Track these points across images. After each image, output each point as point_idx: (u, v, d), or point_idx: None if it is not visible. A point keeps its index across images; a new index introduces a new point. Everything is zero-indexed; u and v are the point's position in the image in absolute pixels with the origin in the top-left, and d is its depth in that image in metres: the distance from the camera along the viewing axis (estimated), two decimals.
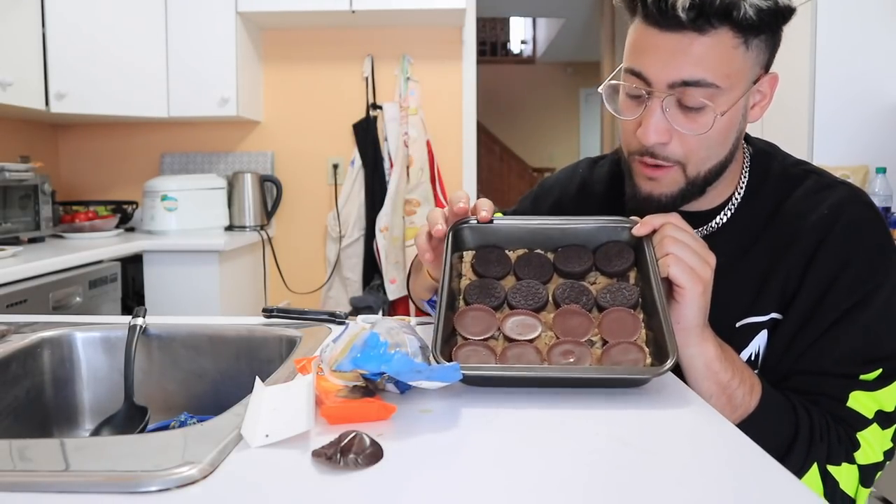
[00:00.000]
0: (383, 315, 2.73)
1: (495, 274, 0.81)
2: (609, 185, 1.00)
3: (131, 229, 3.01)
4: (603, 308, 0.77)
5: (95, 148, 3.27)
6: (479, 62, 3.38)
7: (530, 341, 0.74)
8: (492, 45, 9.32)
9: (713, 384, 0.77)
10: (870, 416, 0.79)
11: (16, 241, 2.32)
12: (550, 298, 0.79)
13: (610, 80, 0.85)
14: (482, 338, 0.75)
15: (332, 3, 2.84)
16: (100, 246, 2.34)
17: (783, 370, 0.83)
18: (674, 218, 0.78)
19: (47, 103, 2.52)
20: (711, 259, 0.76)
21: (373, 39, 3.21)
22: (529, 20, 9.37)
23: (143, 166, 3.26)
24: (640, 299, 0.77)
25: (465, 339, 0.75)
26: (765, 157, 0.92)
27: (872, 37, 2.39)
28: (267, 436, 0.57)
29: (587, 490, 0.50)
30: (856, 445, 0.79)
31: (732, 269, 0.84)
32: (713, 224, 0.89)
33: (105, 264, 2.27)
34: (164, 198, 2.79)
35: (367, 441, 0.55)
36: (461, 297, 0.80)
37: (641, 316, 0.76)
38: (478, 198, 0.86)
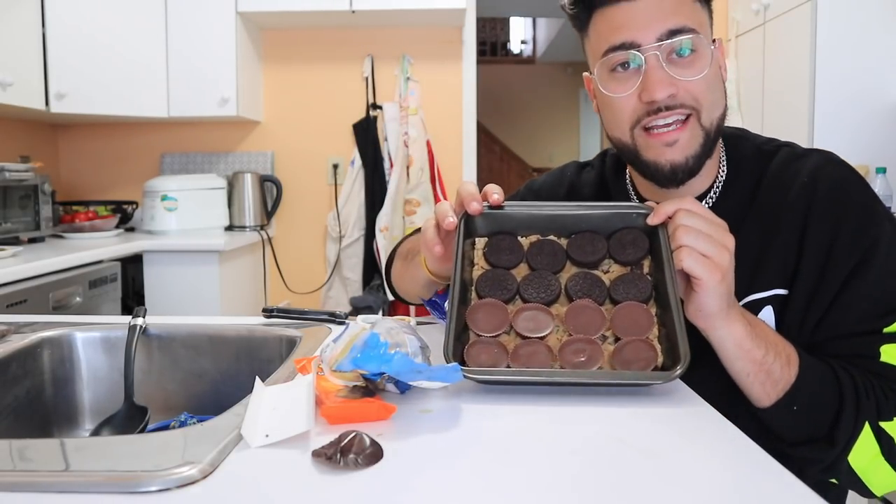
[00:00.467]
0: (383, 315, 2.73)
1: (507, 263, 0.79)
2: (598, 188, 1.01)
3: (131, 229, 3.01)
4: (616, 301, 0.76)
5: (95, 148, 3.27)
6: (479, 62, 3.38)
7: (542, 338, 0.74)
8: (492, 45, 9.31)
9: (748, 362, 0.76)
10: None
11: (16, 241, 2.32)
12: (563, 290, 0.78)
13: (596, 65, 0.86)
14: (494, 335, 0.74)
15: (332, 3, 2.84)
16: (100, 246, 2.34)
17: (804, 343, 0.82)
18: (687, 203, 0.75)
19: (47, 103, 2.52)
20: (729, 241, 0.73)
21: (373, 39, 3.21)
22: (529, 20, 9.37)
23: (143, 166, 3.26)
24: (653, 292, 0.76)
25: (478, 335, 0.74)
26: (737, 139, 0.94)
27: (872, 36, 2.39)
28: (267, 436, 0.57)
29: (587, 490, 0.50)
30: None
31: None
32: (704, 203, 0.90)
33: (105, 264, 2.27)
34: (164, 198, 2.79)
35: (367, 441, 0.55)
36: (473, 287, 0.79)
37: (654, 310, 0.75)
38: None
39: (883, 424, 0.76)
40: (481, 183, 0.89)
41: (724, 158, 0.92)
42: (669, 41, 0.80)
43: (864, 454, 0.75)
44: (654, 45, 0.80)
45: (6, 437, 0.74)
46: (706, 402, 0.68)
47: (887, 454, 0.76)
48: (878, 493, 0.77)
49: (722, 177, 0.91)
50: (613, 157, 1.02)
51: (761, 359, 0.75)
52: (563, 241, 0.81)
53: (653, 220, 0.76)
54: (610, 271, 0.79)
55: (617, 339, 0.73)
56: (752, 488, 0.51)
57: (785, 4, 2.56)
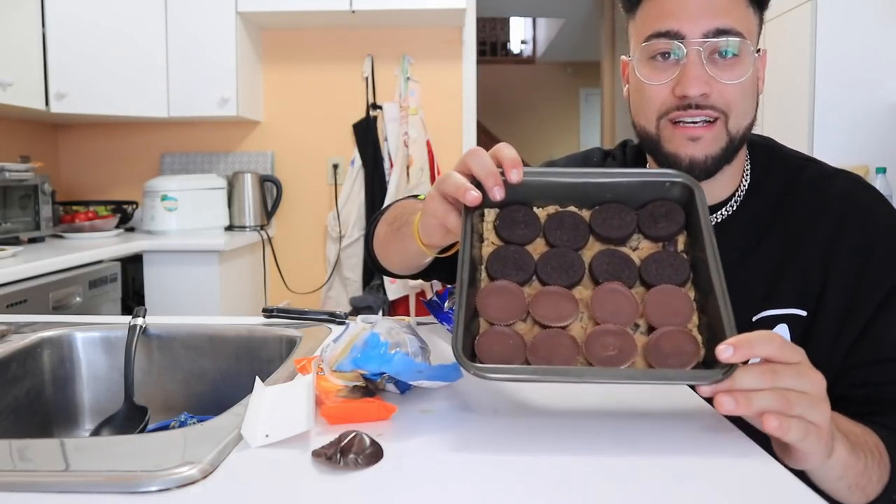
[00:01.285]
0: (383, 315, 2.73)
1: (522, 238, 0.69)
2: None
3: (131, 229, 3.01)
4: (648, 284, 0.66)
5: (95, 148, 3.27)
6: (479, 62, 3.38)
7: (564, 328, 0.64)
8: (492, 45, 9.31)
9: (850, 479, 0.69)
10: None
11: (16, 241, 2.32)
12: (587, 270, 0.68)
13: (637, 49, 0.84)
14: (508, 323, 0.65)
15: (332, 3, 2.84)
16: (100, 246, 2.34)
17: (829, 367, 0.76)
18: (774, 345, 0.59)
19: (47, 103, 2.52)
20: (822, 386, 0.60)
21: (373, 39, 3.21)
22: (529, 20, 9.36)
23: (143, 166, 3.26)
24: (691, 273, 0.66)
25: (490, 324, 0.65)
26: (765, 148, 0.92)
27: (872, 37, 2.39)
28: (267, 436, 0.57)
29: (587, 490, 0.50)
30: None
31: (747, 260, 0.84)
32: (723, 212, 0.88)
33: (105, 264, 2.27)
34: (164, 198, 2.79)
35: (367, 441, 0.55)
36: (483, 266, 0.68)
37: (693, 295, 0.65)
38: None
39: None
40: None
41: (748, 167, 0.90)
42: (715, 40, 0.79)
43: None
44: (698, 39, 0.79)
45: (6, 437, 0.74)
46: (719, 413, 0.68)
47: None
48: None
49: (745, 185, 0.89)
50: (634, 148, 1.00)
51: (863, 469, 0.69)
52: (586, 214, 0.71)
53: (732, 358, 0.57)
54: (639, 248, 0.70)
55: (651, 329, 0.64)
56: (756, 490, 0.51)
57: (785, 4, 2.56)
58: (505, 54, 9.53)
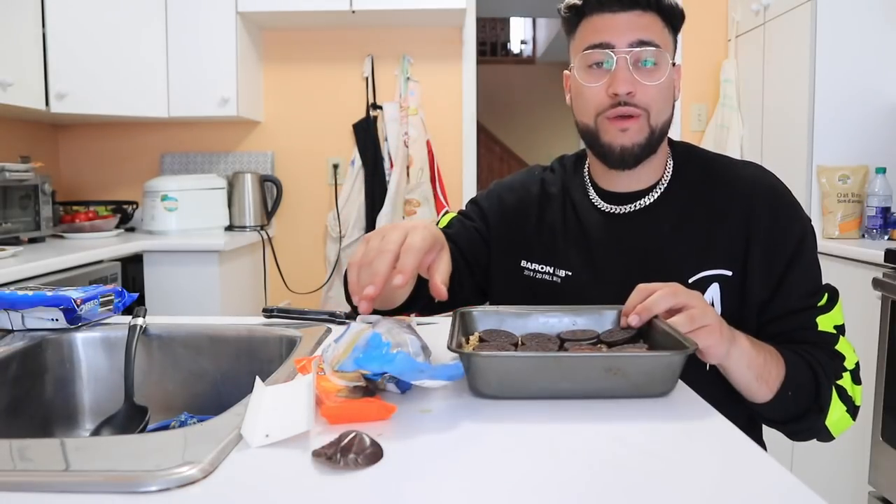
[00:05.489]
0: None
1: (502, 343, 0.81)
2: (560, 186, 1.13)
3: (131, 229, 3.01)
4: (610, 345, 0.81)
5: (95, 148, 3.27)
6: (479, 62, 3.38)
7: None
8: (492, 45, 9.31)
9: (755, 369, 0.90)
10: (834, 332, 0.99)
11: (16, 241, 2.32)
12: (560, 345, 0.82)
13: (576, 59, 1.03)
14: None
15: (332, 3, 2.84)
16: (100, 246, 2.34)
17: (748, 317, 1.00)
18: (667, 300, 0.82)
19: (47, 103, 2.52)
20: (697, 300, 0.83)
21: (373, 39, 3.21)
22: (529, 20, 9.36)
23: (143, 166, 3.26)
24: (641, 339, 0.82)
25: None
26: (684, 146, 1.12)
27: (872, 37, 2.39)
28: (267, 436, 0.57)
29: (587, 490, 0.50)
30: (841, 357, 0.98)
31: (679, 231, 1.02)
32: (651, 195, 1.05)
33: (105, 264, 2.27)
34: (164, 198, 2.79)
35: (367, 441, 0.55)
36: (477, 333, 0.85)
37: (646, 347, 0.79)
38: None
39: (840, 382, 0.96)
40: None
41: (670, 161, 1.09)
42: (638, 49, 0.97)
43: (835, 411, 0.95)
44: (625, 49, 0.98)
45: (6, 437, 0.74)
46: (702, 399, 0.69)
47: (844, 401, 0.96)
48: (837, 436, 0.97)
49: (669, 172, 1.07)
50: (571, 158, 1.18)
51: (763, 363, 0.90)
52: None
53: (635, 322, 0.82)
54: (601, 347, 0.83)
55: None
56: (747, 483, 0.51)
57: (785, 4, 2.56)
58: (505, 54, 9.53)
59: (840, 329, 1.00)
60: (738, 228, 1.00)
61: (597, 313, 0.88)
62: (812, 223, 1.03)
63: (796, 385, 0.92)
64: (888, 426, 1.84)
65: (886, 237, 2.30)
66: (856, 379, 0.98)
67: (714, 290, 1.00)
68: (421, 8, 2.86)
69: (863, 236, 2.37)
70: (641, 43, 0.97)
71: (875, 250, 1.95)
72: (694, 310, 0.81)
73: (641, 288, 0.84)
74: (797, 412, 0.95)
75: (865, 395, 1.89)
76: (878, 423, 1.87)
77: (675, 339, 0.72)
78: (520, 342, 0.82)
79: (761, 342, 0.93)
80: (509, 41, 9.69)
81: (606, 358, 0.69)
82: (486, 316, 0.87)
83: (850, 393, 0.97)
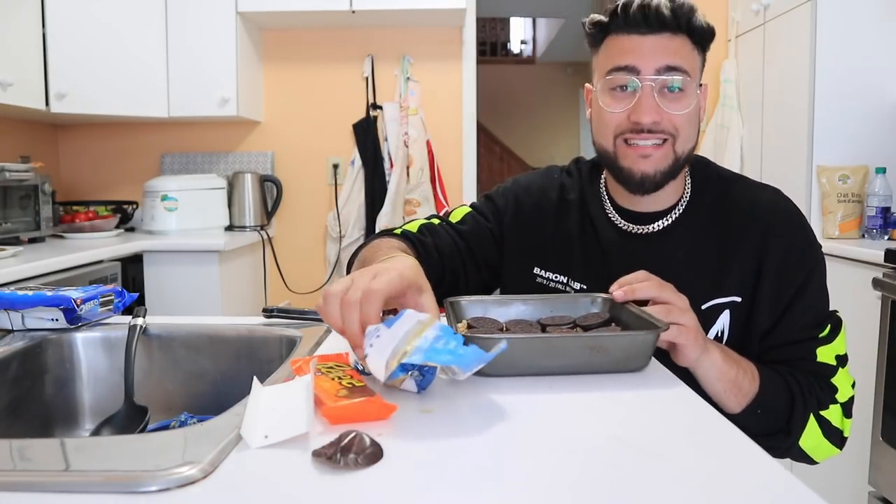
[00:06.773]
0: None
1: (489, 328, 0.88)
2: (578, 193, 1.12)
3: (131, 229, 3.01)
4: (585, 328, 0.87)
5: (95, 148, 3.27)
6: (479, 62, 3.38)
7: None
8: (492, 45, 9.31)
9: (724, 382, 0.91)
10: (834, 363, 0.98)
11: (16, 241, 2.32)
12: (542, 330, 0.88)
13: (600, 81, 0.99)
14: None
15: (332, 3, 2.84)
16: (100, 246, 2.34)
17: (752, 343, 1.00)
18: (653, 289, 0.86)
19: (47, 103, 2.52)
20: (681, 302, 0.86)
21: (373, 39, 3.21)
22: (529, 20, 9.36)
23: (143, 166, 3.26)
24: (613, 324, 0.87)
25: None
26: (701, 165, 1.08)
27: (872, 37, 2.39)
28: (266, 437, 0.57)
29: (587, 490, 0.50)
30: (834, 389, 0.97)
31: (694, 258, 1.01)
32: (668, 219, 1.03)
33: (105, 264, 2.27)
34: (164, 198, 2.79)
35: (367, 441, 0.55)
36: (466, 320, 0.89)
37: (619, 328, 0.86)
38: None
39: (823, 413, 0.96)
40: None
41: (689, 182, 1.06)
42: (664, 77, 0.94)
43: (811, 438, 0.95)
44: (651, 75, 0.94)
45: (6, 437, 0.74)
46: (697, 394, 0.69)
47: (827, 434, 0.96)
48: (820, 461, 0.98)
49: (687, 195, 1.05)
50: (587, 164, 1.15)
51: (734, 377, 0.91)
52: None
53: (620, 297, 0.87)
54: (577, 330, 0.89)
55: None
56: (742, 477, 0.51)
57: (785, 4, 2.56)
58: (505, 54, 9.53)
59: (841, 360, 0.99)
60: (751, 258, 0.99)
61: (571, 301, 0.94)
62: (822, 250, 1.02)
63: (766, 405, 0.93)
64: (888, 426, 1.84)
65: (886, 237, 2.30)
66: (847, 413, 0.98)
67: (725, 318, 0.99)
68: (421, 8, 2.86)
69: (863, 236, 2.37)
70: (669, 69, 0.94)
71: (875, 250, 1.96)
72: (674, 306, 0.84)
73: (639, 273, 0.89)
74: (767, 429, 0.95)
75: (865, 394, 1.89)
76: (878, 423, 1.87)
77: (646, 322, 0.79)
78: (504, 327, 0.87)
79: (739, 357, 0.94)
80: (509, 41, 9.70)
81: (591, 338, 0.78)
82: (472, 305, 0.94)
83: (836, 425, 0.96)
